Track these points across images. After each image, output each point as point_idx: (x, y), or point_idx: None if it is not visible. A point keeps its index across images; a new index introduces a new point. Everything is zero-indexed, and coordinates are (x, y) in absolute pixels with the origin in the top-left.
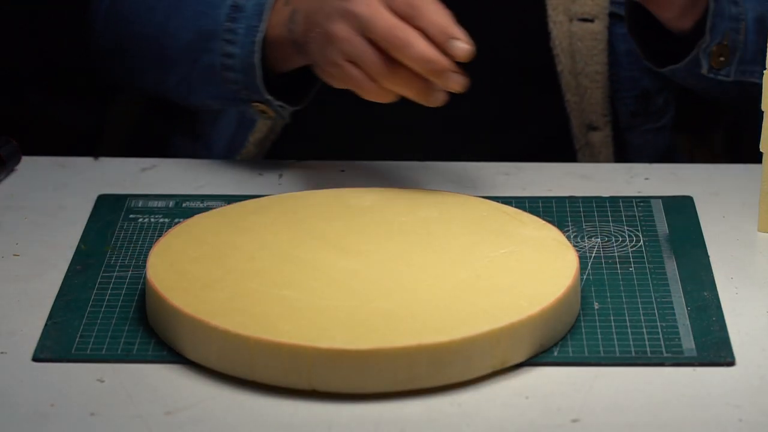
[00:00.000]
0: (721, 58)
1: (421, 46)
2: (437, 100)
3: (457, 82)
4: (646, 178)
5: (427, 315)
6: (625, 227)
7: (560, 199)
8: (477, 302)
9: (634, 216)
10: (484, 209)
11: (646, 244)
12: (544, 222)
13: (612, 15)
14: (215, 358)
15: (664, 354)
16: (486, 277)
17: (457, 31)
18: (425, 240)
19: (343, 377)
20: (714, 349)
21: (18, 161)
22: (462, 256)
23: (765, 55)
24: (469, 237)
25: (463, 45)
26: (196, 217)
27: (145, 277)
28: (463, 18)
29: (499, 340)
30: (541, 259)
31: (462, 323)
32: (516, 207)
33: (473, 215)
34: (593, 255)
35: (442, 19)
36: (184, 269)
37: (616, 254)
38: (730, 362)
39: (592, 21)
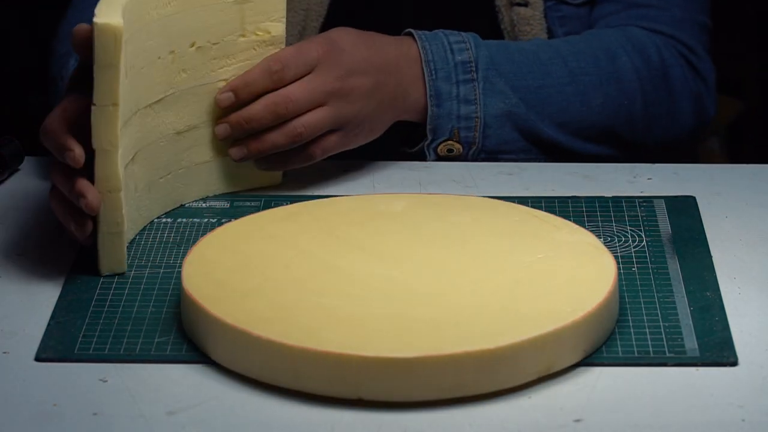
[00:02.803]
0: (452, 152)
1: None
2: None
3: None
4: (649, 178)
5: (471, 322)
6: (628, 227)
7: (563, 199)
8: (519, 308)
9: (637, 216)
10: (516, 214)
11: (649, 244)
12: (577, 226)
13: None
14: (258, 368)
15: (667, 354)
16: (525, 282)
17: None
18: (460, 246)
19: (391, 386)
20: (717, 349)
21: (21, 161)
22: (499, 262)
23: (518, 143)
24: (504, 242)
25: None
26: (226, 226)
27: (181, 287)
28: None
29: (544, 347)
30: (579, 264)
31: (507, 330)
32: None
33: (506, 220)
34: None
35: None
36: (220, 279)
37: (618, 254)
38: (733, 362)
39: (526, 5)
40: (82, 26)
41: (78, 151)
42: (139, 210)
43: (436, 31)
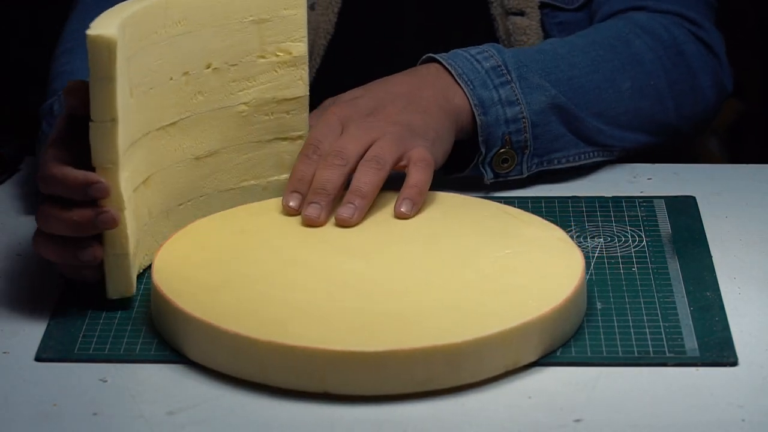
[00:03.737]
0: (506, 162)
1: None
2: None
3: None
4: (649, 179)
5: (439, 316)
6: (628, 227)
7: (563, 199)
8: (487, 303)
9: (637, 216)
10: (487, 210)
11: (649, 244)
12: (547, 222)
13: (544, 5)
14: (226, 362)
15: (667, 354)
16: (493, 277)
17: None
18: (429, 241)
19: (358, 380)
20: (717, 349)
21: (21, 161)
22: (467, 257)
23: (566, 138)
24: (474, 238)
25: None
26: (198, 222)
27: (150, 280)
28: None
29: (511, 341)
30: (547, 259)
31: (474, 324)
32: (519, 207)
33: (476, 216)
34: (596, 255)
35: None
36: (189, 274)
37: (618, 254)
38: (733, 362)
39: (522, 14)
40: (76, 81)
41: (105, 180)
42: (155, 236)
43: (452, 51)
